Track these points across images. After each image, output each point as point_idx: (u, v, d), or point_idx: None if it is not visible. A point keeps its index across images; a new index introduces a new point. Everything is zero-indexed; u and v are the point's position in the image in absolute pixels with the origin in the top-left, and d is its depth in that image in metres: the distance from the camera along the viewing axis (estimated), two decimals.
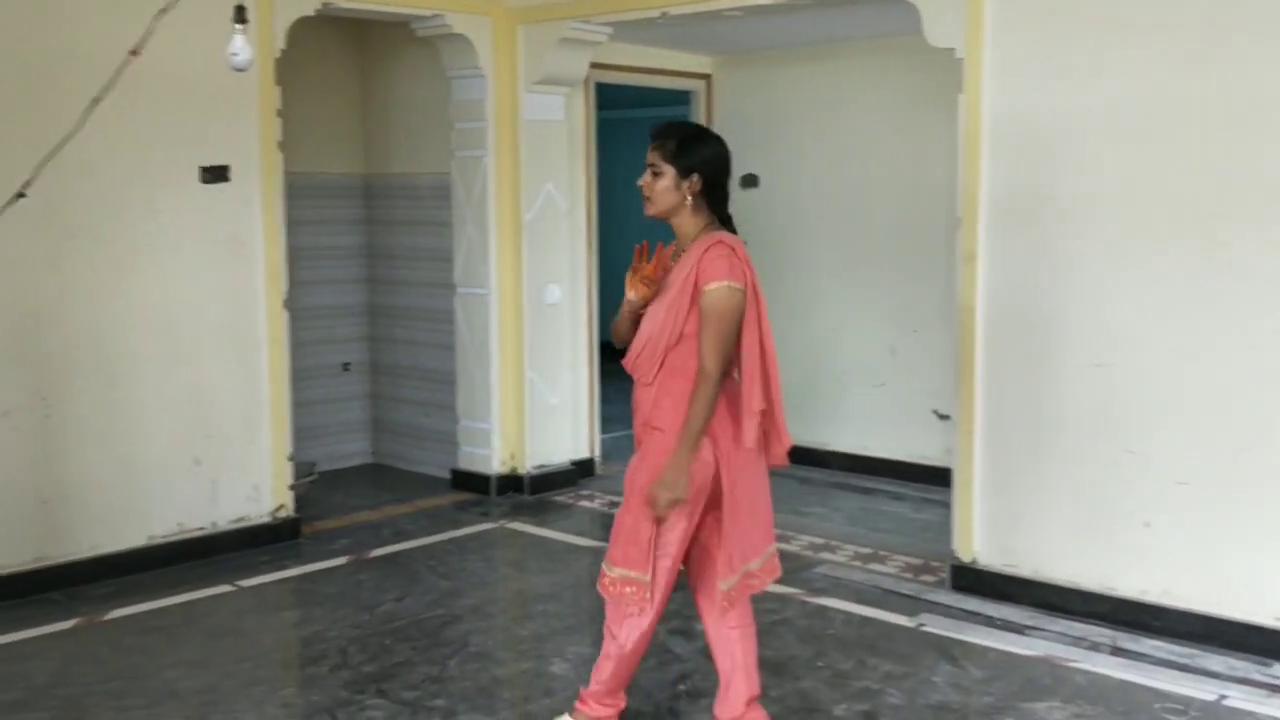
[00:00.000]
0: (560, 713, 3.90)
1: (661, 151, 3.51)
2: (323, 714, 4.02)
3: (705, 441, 3.44)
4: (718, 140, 3.60)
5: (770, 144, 7.87)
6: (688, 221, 3.54)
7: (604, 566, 3.60)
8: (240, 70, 3.88)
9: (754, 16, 6.18)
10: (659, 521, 3.45)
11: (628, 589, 3.51)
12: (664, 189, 3.50)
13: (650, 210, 3.56)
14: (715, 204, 3.57)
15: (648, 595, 3.50)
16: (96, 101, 3.84)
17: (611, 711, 3.74)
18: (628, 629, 3.58)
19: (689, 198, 3.50)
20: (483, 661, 4.49)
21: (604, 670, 3.67)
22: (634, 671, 3.73)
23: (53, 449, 5.26)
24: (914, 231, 7.19)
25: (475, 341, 6.98)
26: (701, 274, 3.41)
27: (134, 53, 3.83)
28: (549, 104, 6.91)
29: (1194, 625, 4.63)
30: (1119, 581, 4.83)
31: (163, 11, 3.87)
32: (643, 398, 3.55)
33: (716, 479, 3.48)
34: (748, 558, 3.59)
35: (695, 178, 3.49)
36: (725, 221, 3.59)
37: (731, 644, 3.69)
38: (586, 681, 3.77)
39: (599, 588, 3.61)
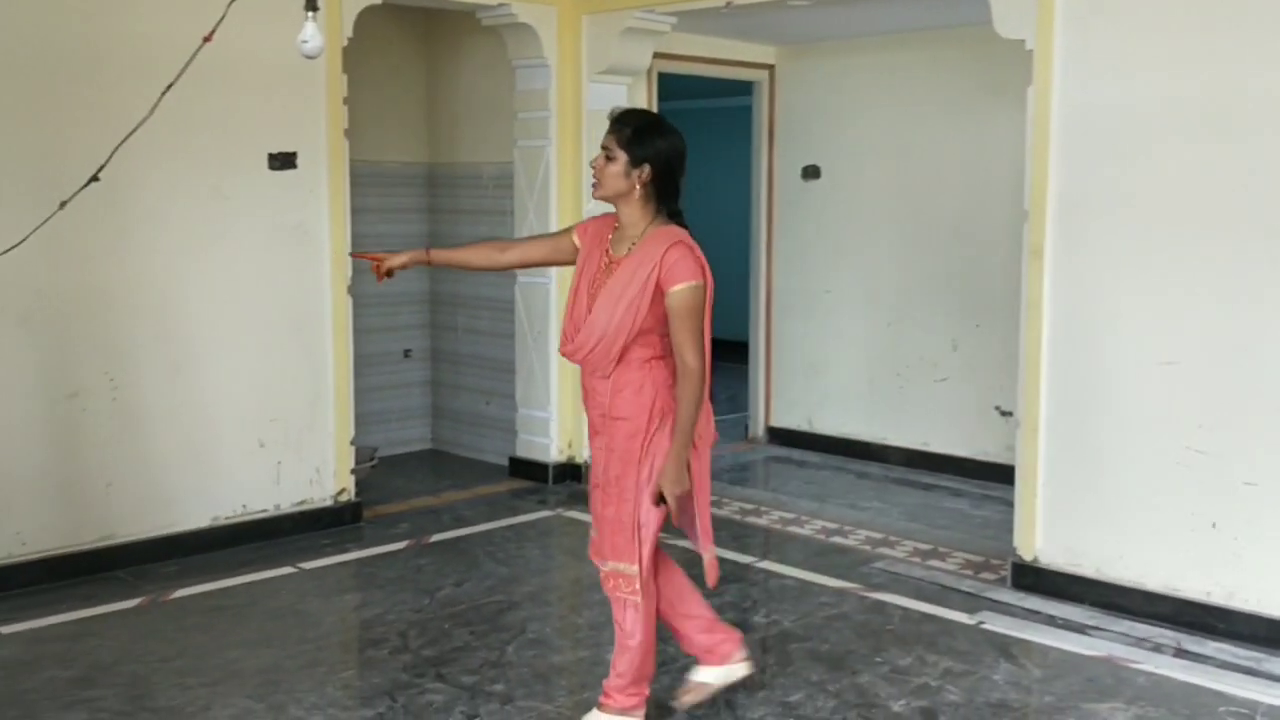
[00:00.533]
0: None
1: (617, 137, 3.55)
2: (382, 696, 4.07)
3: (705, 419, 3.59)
4: (675, 133, 3.60)
5: (833, 135, 7.82)
6: (635, 210, 3.58)
7: (597, 563, 3.74)
8: (310, 58, 3.90)
9: (820, 6, 6.16)
10: (637, 508, 3.57)
11: (620, 581, 3.64)
12: (614, 174, 3.54)
13: (598, 193, 3.61)
14: (665, 196, 3.60)
15: (637, 585, 3.61)
16: (170, 87, 3.88)
17: (638, 700, 3.77)
18: (631, 620, 3.67)
19: (638, 186, 3.54)
20: (540, 648, 4.52)
21: (620, 663, 3.73)
22: (654, 658, 3.77)
23: (120, 430, 5.36)
24: (977, 224, 7.12)
25: (535, 330, 7.01)
26: (665, 276, 3.47)
27: (207, 39, 3.86)
28: (612, 94, 6.90)
29: (1259, 628, 4.56)
30: (1183, 582, 4.76)
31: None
32: (598, 388, 3.63)
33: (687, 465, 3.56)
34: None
35: (646, 168, 3.53)
36: (674, 215, 3.62)
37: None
38: (607, 675, 3.82)
39: (604, 578, 3.73)
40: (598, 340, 3.55)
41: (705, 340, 3.51)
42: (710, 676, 3.94)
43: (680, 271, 3.46)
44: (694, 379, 3.46)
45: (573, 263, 3.77)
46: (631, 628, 3.66)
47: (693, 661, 3.99)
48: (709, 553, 3.71)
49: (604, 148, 3.57)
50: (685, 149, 3.61)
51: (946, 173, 7.27)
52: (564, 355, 3.69)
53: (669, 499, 3.51)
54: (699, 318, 3.48)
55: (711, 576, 3.74)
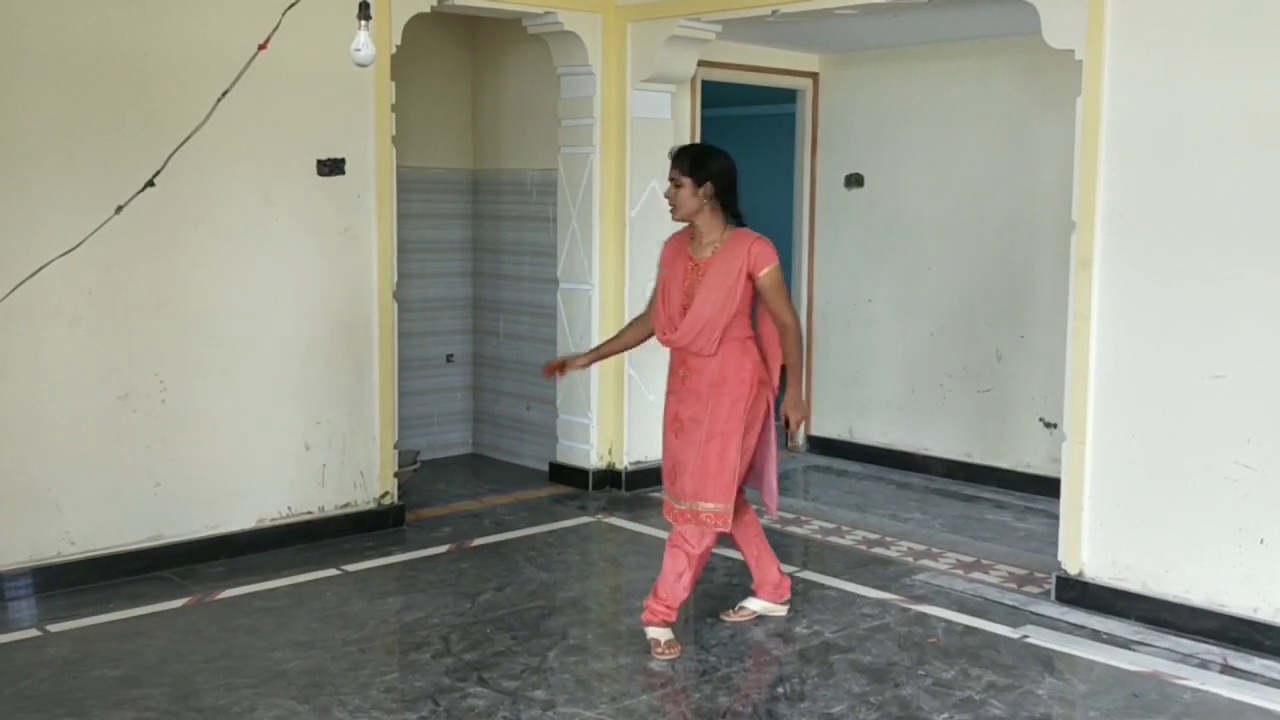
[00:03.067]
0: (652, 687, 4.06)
1: (680, 167, 4.50)
2: (425, 699, 4.09)
3: (768, 380, 4.56)
4: (724, 155, 4.56)
5: (876, 144, 7.80)
6: (708, 221, 4.53)
7: (683, 504, 4.51)
8: (363, 66, 3.95)
9: (866, 15, 6.13)
10: (739, 458, 4.49)
11: (714, 518, 4.48)
12: (685, 196, 4.49)
13: (676, 216, 4.56)
14: (728, 205, 4.54)
15: (729, 519, 4.49)
16: (225, 94, 3.94)
17: (675, 616, 4.61)
18: (708, 542, 4.54)
19: (705, 201, 4.48)
20: (581, 655, 4.53)
21: (675, 584, 4.53)
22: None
23: (169, 431, 5.42)
24: (1022, 235, 7.08)
25: (576, 336, 7.03)
26: (754, 265, 4.46)
27: (262, 47, 3.92)
28: (656, 102, 6.93)
29: None
30: (1229, 598, 4.71)
31: (291, 6, 3.95)
32: (706, 365, 4.50)
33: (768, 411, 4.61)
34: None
35: (708, 185, 4.47)
36: (738, 218, 4.58)
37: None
38: (652, 597, 4.59)
39: (670, 517, 4.57)
40: (702, 326, 4.46)
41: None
42: (757, 606, 4.93)
43: (765, 258, 4.46)
44: (794, 332, 4.53)
45: None
46: (702, 547, 4.53)
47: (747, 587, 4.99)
48: (773, 490, 4.74)
49: (671, 179, 4.49)
50: (735, 165, 4.54)
51: (991, 182, 7.24)
52: (666, 344, 4.61)
53: (793, 422, 4.58)
54: (785, 289, 4.53)
55: (773, 508, 4.81)
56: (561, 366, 4.89)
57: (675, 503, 4.55)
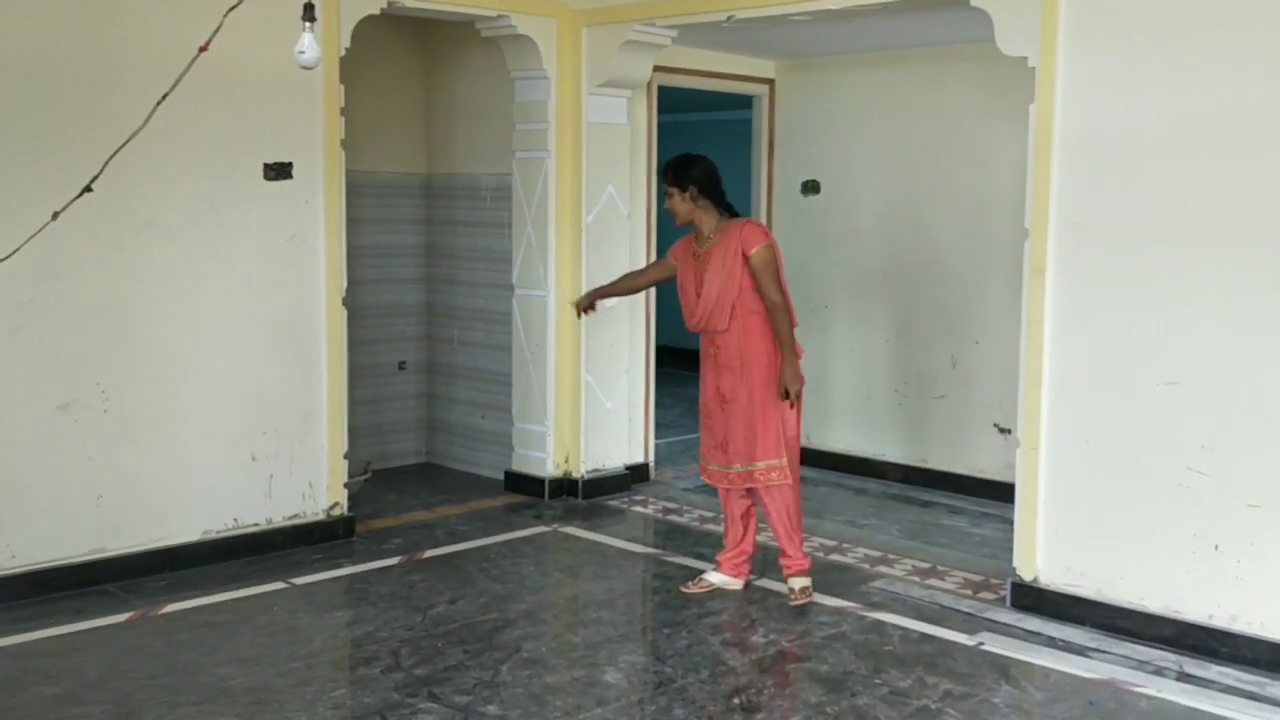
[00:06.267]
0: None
1: (668, 180, 5.19)
2: (374, 716, 4.00)
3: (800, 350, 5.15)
4: (702, 158, 5.20)
5: (832, 150, 7.79)
6: (704, 217, 5.19)
7: (736, 468, 5.14)
8: (308, 69, 3.86)
9: (821, 21, 6.11)
10: (781, 415, 5.10)
11: (774, 474, 5.10)
12: (678, 204, 5.19)
13: (679, 222, 5.25)
14: (717, 200, 5.18)
15: (787, 470, 5.11)
16: (165, 97, 3.84)
17: (809, 561, 5.31)
18: (786, 495, 5.15)
19: (694, 202, 5.15)
20: (535, 668, 4.45)
21: (791, 535, 5.18)
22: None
23: (111, 442, 5.30)
24: (977, 241, 7.08)
25: (532, 343, 6.96)
26: (744, 245, 5.04)
27: (203, 48, 3.81)
28: (612, 107, 6.87)
29: (1263, 652, 4.50)
30: (1185, 605, 4.71)
31: (233, 8, 3.85)
32: (729, 341, 5.12)
33: None
34: None
35: (692, 188, 5.14)
36: (730, 209, 5.21)
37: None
38: (785, 555, 5.23)
39: (732, 481, 5.18)
40: (713, 305, 5.09)
41: (784, 284, 5.12)
42: (716, 579, 5.34)
43: (753, 239, 5.05)
44: (779, 308, 5.06)
45: (674, 278, 5.36)
46: (787, 503, 5.15)
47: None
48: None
49: (666, 193, 5.19)
50: (714, 165, 5.21)
51: (946, 189, 7.24)
52: (691, 329, 5.25)
53: (792, 392, 5.04)
54: (774, 268, 5.07)
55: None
56: (591, 305, 5.66)
57: (727, 469, 5.18)
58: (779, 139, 8.06)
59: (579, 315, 5.83)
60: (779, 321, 5.06)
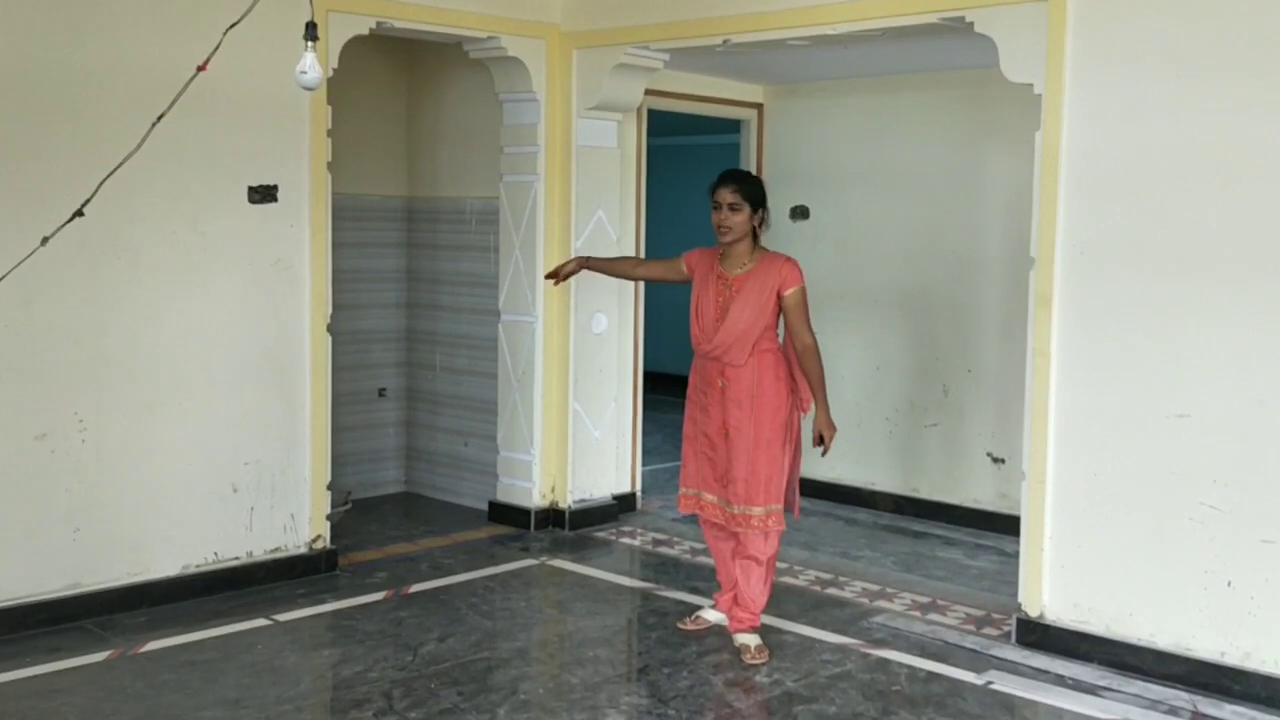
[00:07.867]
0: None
1: (741, 193, 4.84)
2: None
3: (796, 390, 4.90)
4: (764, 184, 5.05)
5: (822, 175, 7.70)
6: (747, 243, 4.91)
7: (741, 510, 4.82)
8: (309, 89, 3.71)
9: (818, 46, 6.03)
10: (785, 460, 4.88)
11: (771, 520, 4.82)
12: (742, 221, 4.86)
13: (729, 238, 4.87)
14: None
15: (782, 516, 4.86)
16: (161, 118, 3.68)
17: (760, 621, 5.00)
18: (772, 543, 4.89)
19: (754, 226, 4.89)
20: (534, 711, 4.29)
21: (760, 587, 4.90)
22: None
23: (88, 473, 5.11)
24: (969, 268, 7.00)
25: (519, 371, 6.81)
26: (783, 284, 4.83)
27: (202, 68, 3.66)
28: (602, 130, 6.76)
29: (1277, 691, 4.41)
30: (1196, 642, 4.62)
31: (233, 26, 3.71)
32: (741, 375, 4.84)
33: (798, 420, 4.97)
34: None
35: (761, 211, 4.90)
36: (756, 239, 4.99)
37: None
38: (742, 611, 4.94)
39: (735, 523, 4.85)
40: (737, 336, 4.82)
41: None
42: (713, 616, 5.16)
43: (793, 278, 4.85)
44: (813, 350, 4.85)
45: (680, 283, 5.17)
46: (771, 549, 4.89)
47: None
48: (796, 494, 5.03)
49: (729, 203, 4.82)
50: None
51: (937, 215, 7.16)
52: (702, 353, 4.94)
53: (827, 438, 4.87)
54: (806, 310, 4.89)
55: (796, 509, 5.04)
56: (569, 274, 5.53)
57: (728, 506, 4.90)
58: (767, 164, 7.96)
59: (555, 282, 5.68)
60: (810, 365, 4.84)
